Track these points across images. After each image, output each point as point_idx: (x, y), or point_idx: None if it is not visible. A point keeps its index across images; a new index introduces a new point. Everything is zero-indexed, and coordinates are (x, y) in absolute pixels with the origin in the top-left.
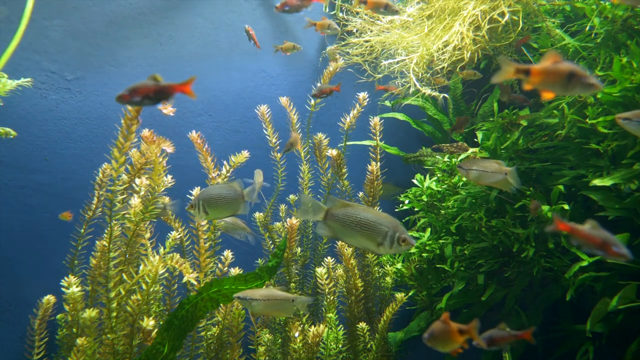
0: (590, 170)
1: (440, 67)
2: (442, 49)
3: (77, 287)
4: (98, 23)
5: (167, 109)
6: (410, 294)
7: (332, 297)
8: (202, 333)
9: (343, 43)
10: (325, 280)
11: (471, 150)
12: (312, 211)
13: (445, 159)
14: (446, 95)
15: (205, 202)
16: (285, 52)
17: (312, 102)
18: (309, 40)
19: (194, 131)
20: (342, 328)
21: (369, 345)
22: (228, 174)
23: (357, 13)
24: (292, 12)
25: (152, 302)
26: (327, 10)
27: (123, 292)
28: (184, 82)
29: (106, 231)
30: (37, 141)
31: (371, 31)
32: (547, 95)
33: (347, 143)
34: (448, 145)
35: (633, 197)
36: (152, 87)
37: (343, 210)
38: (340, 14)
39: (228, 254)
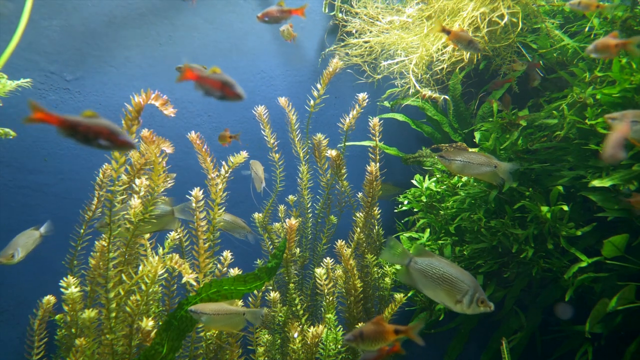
0: (590, 171)
1: (440, 67)
2: (441, 50)
3: (76, 287)
4: (97, 23)
5: (168, 109)
6: (409, 294)
7: (331, 298)
8: (202, 333)
9: (342, 44)
10: (325, 280)
11: (470, 150)
12: (395, 256)
13: None
14: (447, 96)
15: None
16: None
17: (312, 102)
18: (309, 41)
19: (193, 132)
20: (341, 329)
21: None
22: (227, 174)
23: (357, 14)
24: (271, 22)
25: (151, 302)
26: (327, 10)
27: (122, 293)
28: None
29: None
30: (36, 142)
31: (370, 32)
32: None
33: (347, 143)
34: (447, 145)
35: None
36: None
37: (427, 260)
38: (340, 15)
39: (227, 254)
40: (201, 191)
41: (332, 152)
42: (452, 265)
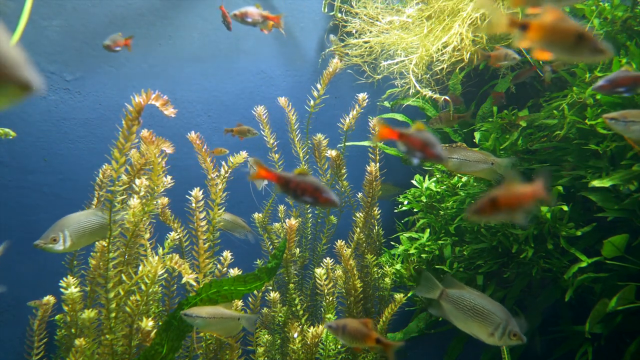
0: (589, 171)
1: (440, 68)
2: (441, 50)
3: (76, 287)
4: (97, 23)
5: (169, 110)
6: (409, 294)
7: (331, 298)
8: (202, 334)
9: (342, 44)
10: (324, 281)
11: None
12: (428, 288)
13: None
14: (447, 97)
15: (72, 232)
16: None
17: (312, 102)
18: (309, 41)
19: (193, 132)
20: None
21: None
22: (227, 174)
23: (357, 14)
24: (247, 24)
25: (151, 302)
26: (326, 10)
27: (122, 293)
28: None
29: None
30: (36, 142)
31: (370, 32)
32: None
33: (347, 144)
34: (447, 145)
35: (632, 198)
36: None
37: (458, 292)
38: (339, 15)
39: (227, 254)
40: (201, 191)
41: (332, 152)
42: (483, 297)
